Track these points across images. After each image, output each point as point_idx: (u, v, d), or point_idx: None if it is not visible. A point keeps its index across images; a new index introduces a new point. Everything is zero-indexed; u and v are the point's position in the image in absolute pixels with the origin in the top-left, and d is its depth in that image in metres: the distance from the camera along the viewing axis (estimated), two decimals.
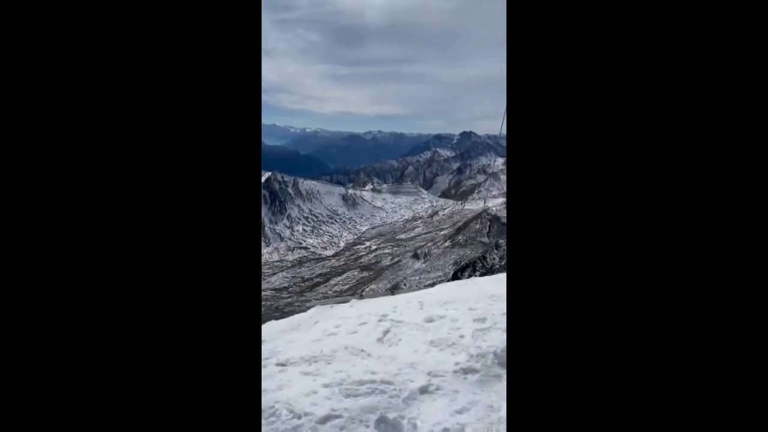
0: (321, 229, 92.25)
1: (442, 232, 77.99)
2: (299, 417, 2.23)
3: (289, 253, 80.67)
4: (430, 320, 3.90)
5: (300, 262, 76.41)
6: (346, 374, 2.71)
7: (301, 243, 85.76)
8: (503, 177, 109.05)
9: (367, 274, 65.99)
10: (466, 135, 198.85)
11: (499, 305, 4.30)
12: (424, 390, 2.55)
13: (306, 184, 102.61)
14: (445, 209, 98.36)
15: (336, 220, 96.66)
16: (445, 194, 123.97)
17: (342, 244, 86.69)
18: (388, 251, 76.30)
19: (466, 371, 2.81)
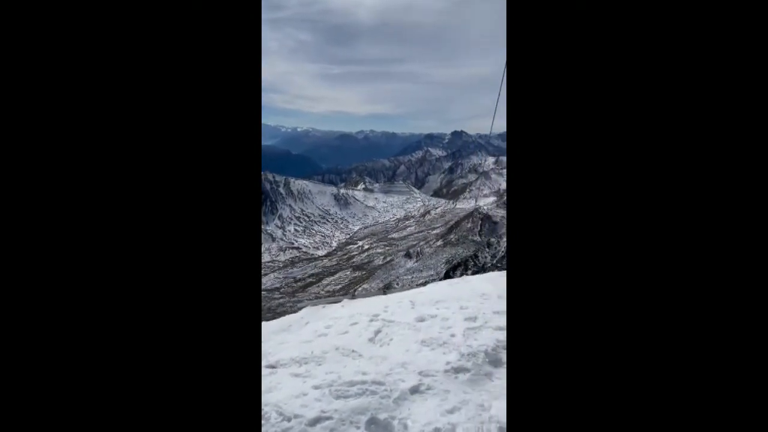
0: (313, 229, 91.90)
1: (434, 231, 78.25)
2: (289, 419, 2.20)
3: (281, 253, 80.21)
4: (421, 319, 3.90)
5: (292, 263, 76.03)
6: (337, 375, 2.69)
7: (293, 243, 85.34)
8: (494, 176, 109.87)
9: (359, 273, 65.93)
10: (457, 134, 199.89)
11: (490, 304, 4.31)
12: (415, 390, 2.54)
13: (297, 184, 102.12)
14: (437, 208, 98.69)
15: (328, 220, 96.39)
16: (437, 193, 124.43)
17: (334, 244, 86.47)
18: (380, 251, 76.30)
19: (457, 370, 2.81)
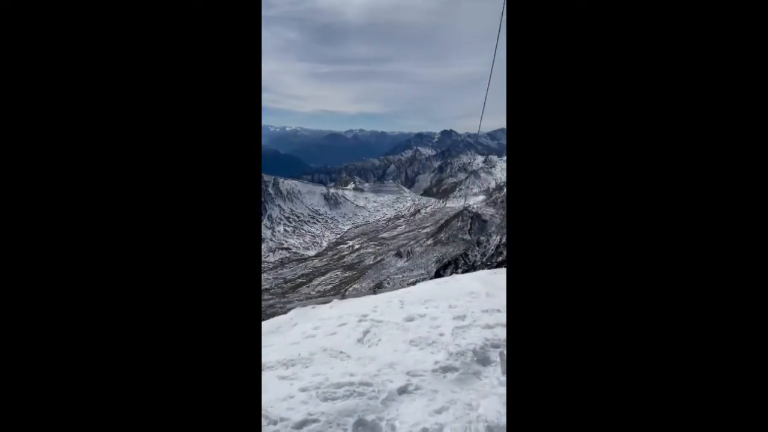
0: (303, 230, 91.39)
1: (425, 231, 78.54)
2: (275, 423, 2.17)
3: (270, 254, 79.56)
4: (410, 319, 3.89)
5: (282, 263, 75.52)
6: (324, 377, 2.66)
7: (282, 244, 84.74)
8: (483, 175, 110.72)
9: (350, 273, 65.81)
10: (446, 133, 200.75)
11: (479, 302, 4.32)
12: (403, 390, 2.53)
13: (286, 184, 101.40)
14: (427, 207, 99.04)
15: (318, 220, 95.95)
16: (426, 192, 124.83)
17: (324, 244, 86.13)
18: (371, 250, 76.29)
19: (446, 370, 2.80)
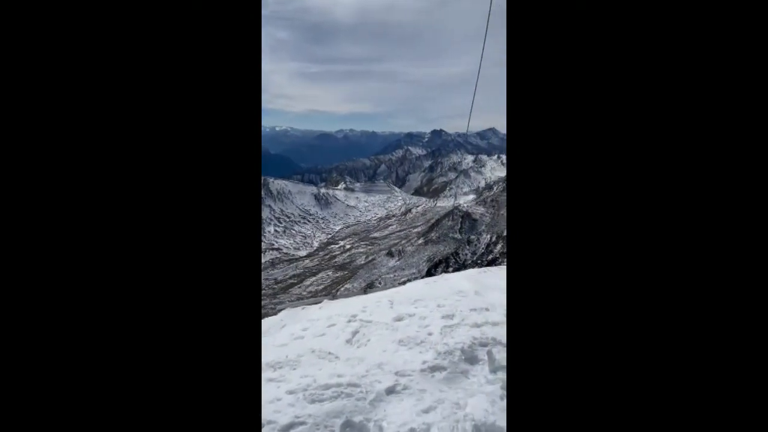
0: (293, 230, 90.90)
1: (416, 230, 78.71)
2: (261, 426, 2.15)
3: (261, 254, 78.93)
4: (399, 319, 3.89)
5: (273, 264, 74.97)
6: (312, 379, 2.65)
7: (273, 244, 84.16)
8: (473, 174, 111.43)
9: (341, 273, 65.65)
10: (436, 133, 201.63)
11: (467, 301, 4.35)
12: (391, 390, 2.53)
13: (277, 184, 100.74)
14: (418, 207, 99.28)
15: (309, 220, 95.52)
16: (417, 192, 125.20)
17: (315, 244, 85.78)
18: (362, 250, 76.21)
19: (434, 369, 2.81)
